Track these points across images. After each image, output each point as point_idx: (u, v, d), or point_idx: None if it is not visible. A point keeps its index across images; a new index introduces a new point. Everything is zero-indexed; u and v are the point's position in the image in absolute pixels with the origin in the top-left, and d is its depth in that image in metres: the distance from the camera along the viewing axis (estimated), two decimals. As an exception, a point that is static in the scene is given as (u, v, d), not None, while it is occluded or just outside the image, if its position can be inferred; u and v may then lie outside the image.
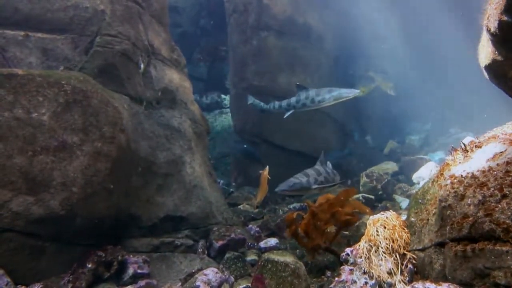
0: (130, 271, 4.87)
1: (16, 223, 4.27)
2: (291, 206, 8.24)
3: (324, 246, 4.66)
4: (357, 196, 7.64)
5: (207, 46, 14.28)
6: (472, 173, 3.06)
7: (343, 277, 3.74)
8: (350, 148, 11.31)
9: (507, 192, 2.74)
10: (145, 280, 4.86)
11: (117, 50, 5.65)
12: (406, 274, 3.47)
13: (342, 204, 4.64)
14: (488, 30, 3.15)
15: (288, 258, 4.79)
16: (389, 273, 3.49)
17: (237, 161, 11.01)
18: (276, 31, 10.27)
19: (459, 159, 3.50)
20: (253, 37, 10.29)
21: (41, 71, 4.94)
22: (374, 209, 7.00)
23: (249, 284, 4.81)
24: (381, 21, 11.91)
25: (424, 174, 8.38)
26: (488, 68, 3.46)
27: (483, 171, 3.00)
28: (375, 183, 8.33)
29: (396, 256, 3.57)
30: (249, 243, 6.10)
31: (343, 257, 4.01)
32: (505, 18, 2.91)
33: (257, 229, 6.77)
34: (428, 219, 3.48)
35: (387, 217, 3.93)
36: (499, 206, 2.71)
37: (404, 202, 7.53)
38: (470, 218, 2.82)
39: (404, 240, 3.70)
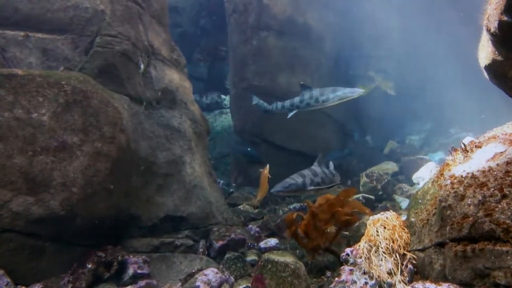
0: (130, 271, 4.87)
1: (16, 223, 4.27)
2: (291, 206, 8.24)
3: (324, 247, 4.66)
4: (357, 196, 7.64)
5: (207, 46, 14.28)
6: (472, 173, 3.06)
7: (343, 277, 3.74)
8: (350, 148, 11.31)
9: (507, 192, 2.74)
10: (145, 280, 4.86)
11: (117, 50, 5.65)
12: (406, 274, 3.47)
13: (342, 204, 4.63)
14: (488, 30, 3.15)
15: (288, 258, 4.79)
16: (389, 273, 3.49)
17: (237, 161, 11.00)
18: (276, 31, 10.27)
19: (459, 159, 3.50)
20: (253, 37, 10.29)
21: (41, 71, 4.94)
22: (374, 209, 7.00)
23: (249, 284, 4.81)
24: (381, 21, 11.90)
25: (424, 174, 8.38)
26: (488, 68, 3.46)
27: (483, 171, 3.00)
28: (375, 183, 8.33)
29: (396, 256, 3.57)
30: (249, 243, 6.10)
31: (343, 257, 4.01)
32: (505, 18, 2.91)
33: (257, 229, 6.77)
34: (428, 219, 3.48)
35: (387, 217, 3.93)
36: (499, 206, 2.71)
37: (404, 202, 7.53)
38: (470, 218, 2.82)
39: (404, 240, 3.70)
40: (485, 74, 3.61)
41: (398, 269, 3.50)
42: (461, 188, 3.02)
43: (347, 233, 5.58)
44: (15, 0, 5.29)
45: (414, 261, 3.53)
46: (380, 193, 8.23)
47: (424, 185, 4.13)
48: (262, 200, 6.58)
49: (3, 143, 4.34)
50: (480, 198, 2.84)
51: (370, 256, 3.66)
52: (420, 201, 3.87)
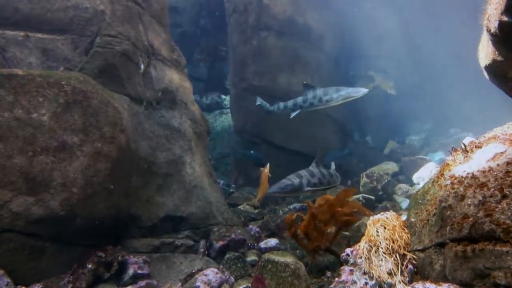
0: (130, 271, 4.87)
1: (16, 223, 4.27)
2: (291, 207, 8.24)
3: (324, 247, 4.66)
4: (357, 196, 7.64)
5: (207, 46, 14.28)
6: (472, 174, 3.06)
7: (343, 277, 3.74)
8: (350, 148, 11.30)
9: (507, 192, 2.74)
10: (145, 280, 4.86)
11: (117, 50, 5.65)
12: (406, 275, 3.47)
13: (341, 205, 4.64)
14: (488, 30, 3.15)
15: (288, 259, 4.79)
16: (389, 274, 3.49)
17: (237, 161, 11.01)
18: (276, 31, 10.27)
19: (459, 159, 3.49)
20: (253, 37, 10.29)
21: (41, 72, 4.94)
22: (374, 209, 7.00)
23: (249, 285, 4.81)
24: (381, 21, 11.92)
25: (424, 174, 8.39)
26: (488, 68, 3.47)
27: (483, 172, 3.00)
28: (375, 183, 8.33)
29: (396, 257, 3.57)
30: (249, 244, 6.09)
31: (343, 258, 4.01)
32: (505, 18, 2.91)
33: (257, 229, 6.77)
34: (428, 220, 3.48)
35: (387, 218, 3.93)
36: (499, 206, 2.71)
37: (404, 203, 7.54)
38: (470, 219, 2.82)
39: (404, 241, 3.70)
40: (485, 74, 3.61)
41: (398, 269, 3.50)
42: (461, 188, 3.02)
43: (347, 233, 5.59)
44: (15, 0, 5.29)
45: (414, 261, 3.53)
46: (380, 193, 8.24)
47: (424, 185, 4.12)
48: (262, 200, 6.56)
49: (3, 143, 4.34)
50: (480, 198, 2.84)
51: (370, 256, 3.66)
52: (420, 201, 3.87)
